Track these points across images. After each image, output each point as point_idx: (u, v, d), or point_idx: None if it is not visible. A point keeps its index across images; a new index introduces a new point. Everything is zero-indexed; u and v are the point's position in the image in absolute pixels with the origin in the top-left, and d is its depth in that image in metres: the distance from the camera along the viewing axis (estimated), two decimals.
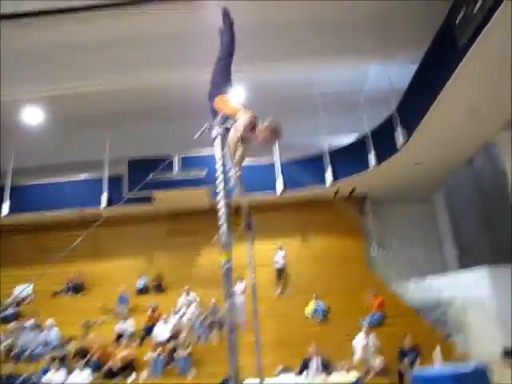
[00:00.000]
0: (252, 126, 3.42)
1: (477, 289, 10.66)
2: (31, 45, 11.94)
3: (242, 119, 3.34)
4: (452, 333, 10.62)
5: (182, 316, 11.70)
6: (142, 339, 11.47)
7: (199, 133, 3.30)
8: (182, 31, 11.94)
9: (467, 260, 15.01)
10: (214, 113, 3.60)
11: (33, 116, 15.39)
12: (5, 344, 11.19)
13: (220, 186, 3.03)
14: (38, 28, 11.69)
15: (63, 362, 10.18)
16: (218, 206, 2.98)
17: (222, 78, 3.95)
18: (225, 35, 4.24)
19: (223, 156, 3.14)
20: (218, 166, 3.06)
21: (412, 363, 8.63)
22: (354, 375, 7.66)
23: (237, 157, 3.47)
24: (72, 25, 11.75)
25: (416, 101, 11.34)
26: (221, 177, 3.07)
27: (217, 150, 3.11)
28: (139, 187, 10.94)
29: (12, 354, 11.02)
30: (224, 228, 2.90)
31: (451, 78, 9.02)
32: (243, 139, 3.44)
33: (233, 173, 3.58)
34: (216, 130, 3.17)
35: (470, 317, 10.53)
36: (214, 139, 3.18)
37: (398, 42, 12.22)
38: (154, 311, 12.07)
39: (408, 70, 11.97)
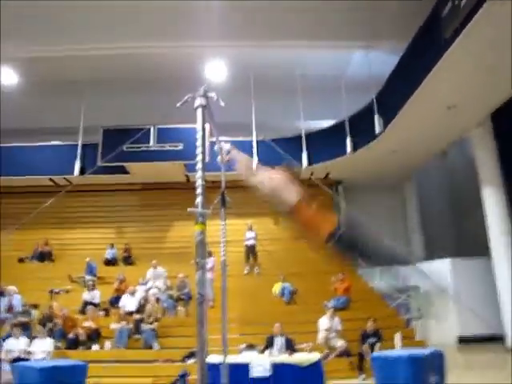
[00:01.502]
0: None
1: (440, 279, 10.99)
2: (5, 2, 11.45)
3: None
4: (413, 319, 10.95)
5: (148, 289, 11.69)
6: (108, 310, 11.44)
7: (181, 102, 3.24)
8: (167, 3, 11.66)
9: (433, 250, 15.41)
10: None
11: (7, 77, 14.86)
12: None
13: (198, 158, 3.00)
14: None
15: (26, 328, 10.06)
16: (196, 177, 2.95)
17: None
18: None
19: (203, 128, 3.10)
20: (198, 137, 3.02)
21: (373, 346, 8.85)
22: (315, 355, 7.80)
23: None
24: None
25: (396, 90, 11.45)
26: (199, 149, 3.03)
27: (198, 121, 3.07)
28: (111, 156, 10.82)
29: None
30: (200, 199, 2.88)
31: (432, 71, 9.13)
32: None
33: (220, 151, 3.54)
34: (198, 101, 3.12)
35: (431, 305, 10.88)
36: (196, 109, 3.13)
37: (383, 30, 12.25)
38: (121, 282, 12.03)
39: (390, 58, 12.06)
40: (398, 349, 8.28)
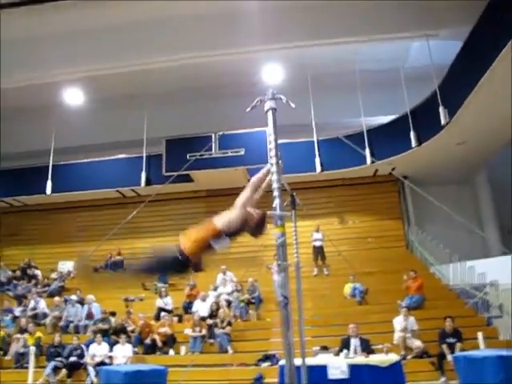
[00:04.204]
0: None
1: None
2: (71, 26, 12.08)
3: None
4: (494, 317, 10.37)
5: (219, 294, 11.85)
6: (181, 315, 11.72)
7: (250, 107, 3.27)
8: (217, 9, 11.85)
9: (510, 244, 14.57)
10: None
11: (73, 97, 15.72)
12: (52, 316, 11.72)
13: (272, 161, 3.00)
14: (78, 9, 11.80)
15: (106, 335, 10.52)
16: (271, 180, 2.95)
17: None
18: None
19: (275, 131, 3.10)
20: (271, 140, 3.02)
21: (453, 346, 8.47)
22: (393, 357, 7.58)
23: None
24: (111, 5, 11.81)
25: (460, 79, 10.95)
26: (273, 151, 3.03)
27: (269, 124, 3.07)
28: (175, 166, 11.04)
29: (59, 325, 11.53)
30: (278, 202, 2.88)
31: (501, 53, 8.64)
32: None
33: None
34: (268, 104, 3.13)
35: None
36: (266, 113, 3.14)
37: (442, 17, 11.79)
38: (192, 289, 12.28)
39: (451, 45, 11.57)
40: (483, 349, 7.88)
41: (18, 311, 12.32)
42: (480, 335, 8.40)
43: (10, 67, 12.18)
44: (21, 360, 10.02)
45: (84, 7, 11.75)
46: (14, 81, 12.93)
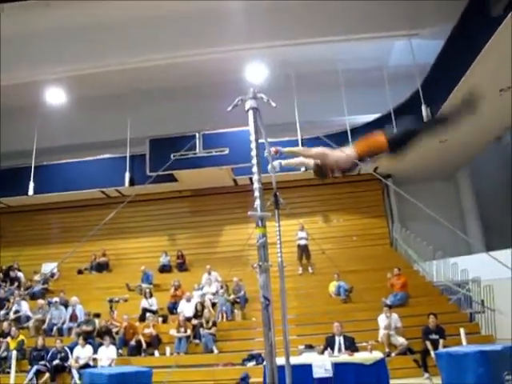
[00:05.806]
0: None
1: (502, 270, 10.44)
2: (53, 25, 11.91)
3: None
4: (476, 313, 10.50)
5: (204, 294, 11.82)
6: (166, 316, 11.66)
7: (231, 106, 3.24)
8: (202, 8, 11.79)
9: (492, 240, 14.77)
10: None
11: (55, 96, 15.44)
12: (35, 319, 11.56)
13: (253, 161, 2.98)
14: (59, 8, 11.64)
15: (90, 337, 10.41)
16: (253, 180, 2.93)
17: (402, 131, 4.05)
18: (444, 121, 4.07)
19: (256, 130, 3.08)
20: (252, 140, 3.00)
21: (436, 343, 8.55)
22: (377, 354, 7.63)
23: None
24: (92, 4, 11.66)
25: (442, 77, 11.06)
26: (254, 151, 3.01)
27: (250, 124, 3.05)
28: (159, 166, 10.99)
29: (42, 328, 11.38)
30: (258, 202, 2.86)
31: (481, 52, 8.74)
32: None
33: (267, 151, 3.60)
34: (249, 103, 3.11)
35: (495, 298, 10.37)
36: (247, 112, 3.11)
37: (424, 16, 11.89)
38: (176, 289, 12.22)
39: (433, 45, 11.66)
40: (465, 345, 7.97)
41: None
42: (462, 331, 8.49)
43: None
44: (3, 364, 9.88)
45: (65, 6, 11.59)
46: None
